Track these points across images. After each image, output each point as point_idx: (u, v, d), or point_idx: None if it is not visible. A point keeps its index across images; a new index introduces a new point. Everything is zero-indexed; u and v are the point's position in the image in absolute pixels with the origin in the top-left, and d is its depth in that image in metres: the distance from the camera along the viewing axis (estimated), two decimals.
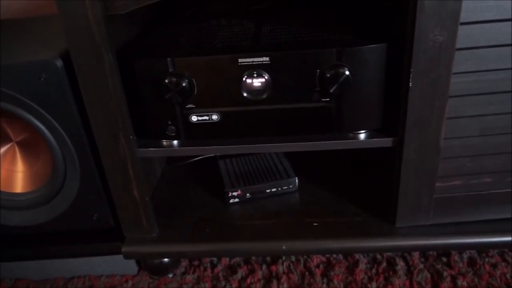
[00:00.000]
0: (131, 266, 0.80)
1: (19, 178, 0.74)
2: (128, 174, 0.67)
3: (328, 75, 0.60)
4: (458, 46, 0.57)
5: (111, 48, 0.59)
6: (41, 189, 0.72)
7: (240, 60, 0.60)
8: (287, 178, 0.83)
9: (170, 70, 0.61)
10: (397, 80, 0.62)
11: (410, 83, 0.59)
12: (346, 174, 0.88)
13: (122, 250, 0.73)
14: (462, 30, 0.56)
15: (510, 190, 0.69)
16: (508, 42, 0.57)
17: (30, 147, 0.73)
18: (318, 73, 0.60)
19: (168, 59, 0.60)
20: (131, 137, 0.65)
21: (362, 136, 0.66)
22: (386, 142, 0.65)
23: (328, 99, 0.62)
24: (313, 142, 0.65)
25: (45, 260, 0.80)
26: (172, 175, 0.92)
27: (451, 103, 0.61)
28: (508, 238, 0.70)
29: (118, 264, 0.79)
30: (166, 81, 0.60)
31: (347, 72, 0.59)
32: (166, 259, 0.78)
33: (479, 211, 0.71)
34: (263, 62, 0.60)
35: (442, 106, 0.61)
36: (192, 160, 0.95)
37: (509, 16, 0.55)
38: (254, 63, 0.60)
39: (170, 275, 0.79)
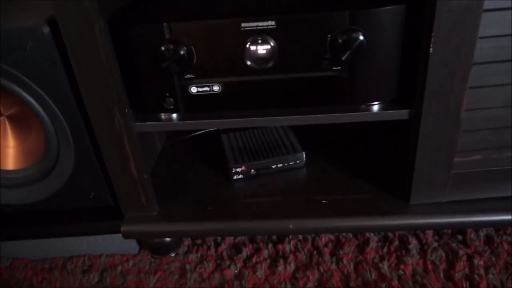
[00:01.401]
0: (132, 245, 0.78)
1: (10, 154, 0.70)
2: (124, 150, 0.64)
3: (340, 41, 0.54)
4: (485, 7, 0.51)
5: (102, 14, 0.54)
6: (34, 166, 0.69)
7: (243, 25, 0.55)
8: (294, 153, 0.79)
9: (167, 37, 0.56)
10: (416, 46, 0.56)
11: (431, 48, 0.53)
12: (356, 148, 0.84)
13: (121, 229, 0.71)
14: None
15: None
16: None
17: (21, 121, 0.69)
18: (329, 38, 0.55)
19: (164, 24, 0.55)
20: (126, 110, 0.60)
21: (375, 108, 0.61)
22: (401, 114, 0.61)
23: (339, 68, 0.57)
24: (322, 115, 0.61)
25: (43, 239, 0.77)
26: (173, 150, 0.88)
27: (475, 71, 0.56)
28: None
29: (118, 243, 0.76)
30: (163, 48, 0.56)
31: (361, 37, 0.54)
32: (167, 239, 0.75)
33: (499, 187, 0.67)
34: (268, 27, 0.55)
35: (465, 75, 0.56)
36: (193, 134, 0.91)
37: None
38: (258, 27, 0.55)
39: (172, 254, 0.76)
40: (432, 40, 0.53)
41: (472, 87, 0.57)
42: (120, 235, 0.72)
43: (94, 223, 0.74)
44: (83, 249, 0.78)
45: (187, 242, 0.79)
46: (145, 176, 0.67)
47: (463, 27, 0.52)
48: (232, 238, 0.78)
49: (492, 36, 0.53)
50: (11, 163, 0.70)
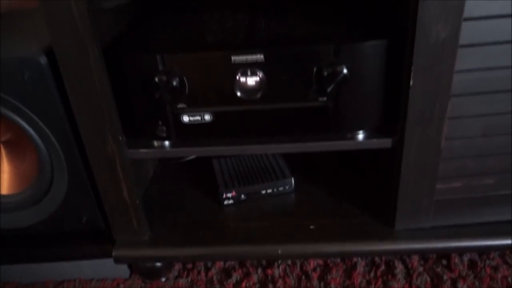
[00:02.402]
0: (123, 270, 0.78)
1: (4, 179, 0.71)
2: (117, 175, 0.65)
3: (325, 73, 0.57)
4: (461, 42, 0.54)
5: (97, 43, 0.56)
6: (28, 191, 0.70)
7: (233, 58, 0.57)
8: (283, 179, 0.81)
9: (160, 68, 0.58)
10: (397, 77, 0.59)
11: (411, 81, 0.56)
12: (343, 174, 0.86)
13: (113, 254, 0.71)
14: (465, 26, 0.53)
15: (511, 191, 0.67)
16: None
17: (16, 147, 0.70)
18: (315, 70, 0.58)
19: (158, 55, 0.57)
20: (119, 137, 0.62)
21: (360, 136, 0.63)
22: (385, 142, 0.63)
23: (325, 98, 0.60)
24: (309, 143, 0.63)
25: (33, 263, 0.77)
26: (165, 175, 0.90)
27: (453, 102, 0.58)
28: (509, 241, 0.68)
29: (109, 268, 0.77)
30: (156, 79, 0.58)
31: (345, 70, 0.56)
32: (158, 263, 0.75)
33: (480, 213, 0.69)
34: (258, 60, 0.57)
35: (444, 105, 0.58)
36: (185, 159, 0.92)
37: None
38: (248, 60, 0.57)
39: (163, 279, 0.77)
40: (412, 73, 0.56)
41: (451, 117, 0.60)
42: (111, 259, 0.72)
43: (86, 247, 0.75)
44: (74, 273, 0.78)
45: (177, 266, 0.79)
46: (137, 201, 0.68)
47: (441, 61, 0.55)
48: (222, 262, 0.79)
49: (468, 70, 0.57)
50: (5, 188, 0.71)
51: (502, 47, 0.55)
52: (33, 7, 0.89)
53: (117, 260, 0.72)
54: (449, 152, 0.63)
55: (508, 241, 0.68)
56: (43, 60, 0.58)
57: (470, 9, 0.52)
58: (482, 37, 0.54)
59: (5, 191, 0.71)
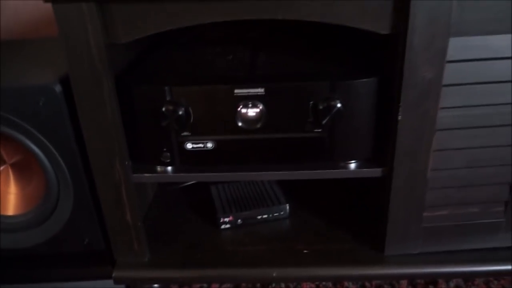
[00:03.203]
0: None
1: (11, 200, 0.74)
2: (121, 199, 0.68)
3: (321, 107, 0.62)
4: (444, 82, 0.59)
5: (111, 74, 0.60)
6: (33, 212, 0.72)
7: (236, 91, 0.62)
8: (278, 205, 0.84)
9: (168, 98, 0.62)
10: (387, 113, 0.64)
11: (399, 116, 0.61)
12: (336, 201, 0.89)
13: (113, 274, 0.73)
14: (448, 67, 0.58)
15: (496, 220, 0.71)
16: (493, 79, 0.59)
17: (24, 169, 0.73)
18: (311, 104, 0.62)
19: (166, 87, 0.62)
20: (126, 162, 0.65)
21: (352, 165, 0.67)
22: (375, 172, 0.67)
23: (320, 130, 0.64)
24: (305, 171, 0.67)
25: (34, 283, 0.79)
26: (164, 199, 0.92)
27: (438, 136, 0.63)
28: (493, 267, 0.72)
29: None
30: (163, 109, 0.62)
31: (339, 105, 0.61)
32: (156, 285, 0.77)
33: (466, 240, 0.72)
34: (258, 93, 0.62)
35: (430, 139, 0.63)
36: (184, 184, 0.95)
37: (493, 55, 0.58)
38: (249, 94, 0.62)
39: None
40: (400, 109, 0.61)
41: (437, 150, 0.64)
42: (109, 281, 0.74)
43: (86, 268, 0.77)
44: None
45: None
46: (138, 223, 0.71)
47: (426, 99, 0.60)
48: (218, 285, 0.81)
49: (451, 107, 0.61)
50: (11, 208, 0.73)
51: (482, 87, 0.60)
52: (49, 36, 0.94)
53: (117, 281, 0.74)
54: (435, 182, 0.67)
55: (492, 268, 0.72)
56: (58, 88, 0.62)
57: (453, 52, 0.57)
58: (464, 77, 0.59)
59: (11, 211, 0.73)
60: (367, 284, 0.79)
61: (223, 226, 0.82)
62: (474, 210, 0.70)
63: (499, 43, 0.57)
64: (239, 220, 0.82)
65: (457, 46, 0.57)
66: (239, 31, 0.89)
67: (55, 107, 0.63)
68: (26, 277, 0.77)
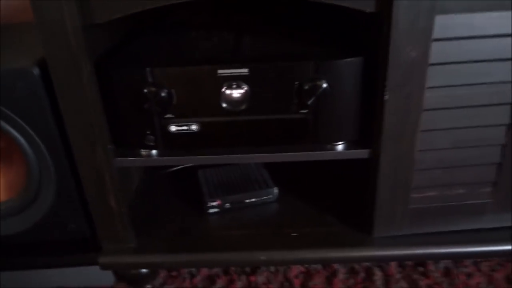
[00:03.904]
0: (108, 277, 0.79)
1: None
2: (104, 184, 0.67)
3: (306, 88, 0.61)
4: (430, 61, 0.58)
5: (89, 58, 0.59)
6: (15, 199, 0.71)
7: (219, 72, 0.60)
8: (266, 189, 0.84)
9: (149, 80, 0.61)
10: (373, 93, 0.63)
11: (385, 97, 0.60)
12: (324, 184, 0.89)
13: (99, 261, 0.72)
14: (434, 46, 0.57)
15: (482, 201, 0.71)
16: (479, 58, 0.59)
17: (4, 155, 0.72)
18: (296, 85, 0.61)
19: (148, 69, 0.60)
20: (108, 146, 0.64)
21: (339, 147, 0.67)
22: (362, 153, 0.67)
23: (306, 111, 0.63)
24: (291, 153, 0.66)
25: (19, 271, 0.78)
26: (151, 185, 0.91)
27: (425, 117, 0.62)
28: (482, 248, 0.72)
29: (94, 275, 0.78)
30: (145, 90, 0.60)
31: (324, 85, 0.60)
32: (143, 270, 0.77)
33: (453, 221, 0.72)
34: (242, 74, 0.61)
35: (416, 120, 0.62)
36: (171, 169, 0.94)
37: (479, 33, 0.57)
38: (233, 74, 0.61)
39: (148, 286, 0.78)
40: (386, 89, 0.60)
41: (423, 130, 0.64)
42: (96, 267, 0.73)
43: (71, 255, 0.76)
44: (59, 281, 0.79)
45: (163, 274, 0.81)
46: (124, 209, 0.70)
47: (412, 79, 0.59)
48: (206, 269, 0.81)
49: (437, 87, 0.61)
50: None
51: (468, 66, 0.59)
52: (27, 21, 0.92)
53: (104, 267, 0.73)
54: (422, 163, 0.66)
55: (481, 249, 0.72)
56: (35, 71, 0.61)
57: (438, 30, 0.56)
58: (450, 56, 0.58)
59: None
60: (356, 267, 0.80)
61: (210, 210, 0.82)
62: (461, 191, 0.70)
63: (485, 21, 0.56)
64: (226, 204, 0.82)
65: (442, 24, 0.56)
66: (222, 16, 0.88)
67: (33, 91, 0.62)
68: (10, 265, 0.76)
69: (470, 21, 0.56)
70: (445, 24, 0.56)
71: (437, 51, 0.58)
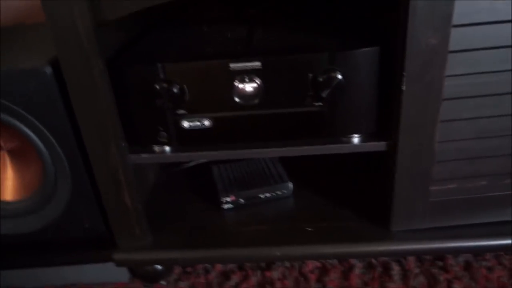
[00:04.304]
0: (123, 274, 0.79)
1: (9, 186, 0.73)
2: (119, 181, 0.67)
3: (321, 79, 0.59)
4: (450, 49, 0.56)
5: (101, 56, 0.58)
6: (32, 197, 0.72)
7: (231, 66, 0.59)
8: (281, 183, 0.82)
9: (161, 76, 0.60)
10: (390, 83, 0.61)
11: (403, 86, 0.58)
12: (340, 179, 0.87)
13: (114, 257, 0.73)
14: (454, 33, 0.55)
15: (506, 193, 0.68)
16: (501, 44, 0.56)
17: (21, 155, 0.72)
18: (310, 77, 0.60)
19: (159, 65, 0.59)
20: (122, 144, 0.64)
21: (355, 140, 0.65)
22: (380, 146, 0.65)
23: (321, 104, 0.62)
24: (306, 147, 0.65)
25: (36, 268, 0.79)
26: (166, 182, 0.91)
27: (445, 106, 0.60)
28: (504, 241, 0.70)
29: (110, 272, 0.78)
30: (157, 87, 0.60)
31: (339, 76, 0.58)
32: (159, 266, 0.77)
33: (475, 214, 0.70)
34: (255, 67, 0.59)
35: (436, 110, 0.60)
36: (185, 166, 0.94)
37: (501, 18, 0.55)
38: (245, 68, 0.59)
39: (163, 282, 0.78)
40: (404, 79, 0.58)
41: (444, 120, 0.61)
42: (111, 264, 0.73)
43: (87, 252, 0.76)
44: (75, 277, 0.80)
45: (177, 270, 0.81)
46: (138, 206, 0.70)
47: (431, 67, 0.57)
48: (221, 265, 0.81)
49: (458, 75, 0.58)
50: (9, 194, 0.73)
51: (490, 52, 0.57)
52: (40, 22, 0.92)
53: (119, 263, 0.73)
54: (442, 154, 0.64)
55: (503, 242, 0.70)
56: (48, 70, 0.60)
57: (458, 16, 0.54)
58: (471, 43, 0.56)
59: (9, 197, 0.73)
60: (373, 261, 0.78)
61: (225, 206, 0.81)
62: (483, 183, 0.68)
63: (507, 5, 0.54)
64: (241, 200, 0.81)
65: (463, 10, 0.54)
66: (234, 10, 0.86)
67: (46, 90, 0.61)
68: (27, 263, 0.77)
69: (491, 6, 0.54)
70: (465, 9, 0.54)
71: (457, 38, 0.55)
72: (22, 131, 0.65)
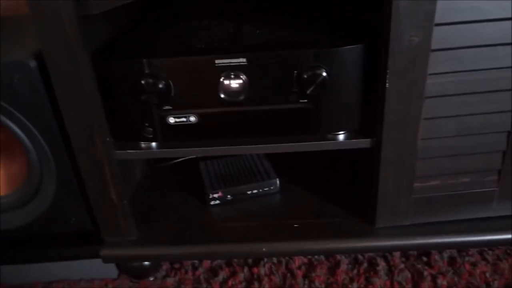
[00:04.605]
0: (111, 270, 0.79)
1: None
2: (105, 177, 0.67)
3: (305, 76, 0.59)
4: (433, 47, 0.57)
5: (86, 49, 0.58)
6: (16, 193, 0.71)
7: (217, 61, 0.59)
8: (268, 180, 0.83)
9: (146, 71, 0.60)
10: (374, 81, 0.62)
11: (387, 84, 0.59)
12: (326, 175, 0.88)
13: (101, 253, 0.72)
14: (437, 31, 0.56)
15: (488, 189, 0.70)
16: (483, 42, 0.57)
17: (5, 149, 0.72)
18: (295, 74, 0.60)
19: (144, 60, 0.59)
20: (107, 139, 0.64)
21: (340, 137, 0.66)
22: (364, 143, 0.65)
23: (306, 100, 0.62)
24: (292, 144, 0.65)
25: (22, 264, 0.78)
26: (153, 177, 0.91)
27: (428, 104, 0.61)
28: (487, 237, 0.71)
29: (97, 268, 0.78)
30: (142, 82, 0.60)
31: (324, 73, 0.59)
32: (146, 262, 0.77)
33: (458, 210, 0.71)
34: (240, 63, 0.60)
35: (419, 107, 0.61)
36: (172, 162, 0.94)
37: (483, 17, 0.55)
38: (231, 64, 0.60)
39: (151, 278, 0.78)
40: (387, 76, 0.58)
41: (426, 118, 0.62)
42: (99, 260, 0.73)
43: (74, 248, 0.76)
44: (62, 274, 0.79)
45: (165, 266, 0.81)
46: (124, 201, 0.70)
47: (414, 65, 0.58)
48: (209, 261, 0.81)
49: (441, 73, 0.59)
50: None
51: (473, 51, 0.58)
52: (24, 14, 0.91)
53: (106, 260, 0.73)
54: (425, 152, 0.65)
55: (486, 238, 0.71)
56: (32, 63, 0.60)
57: (441, 14, 0.55)
58: (454, 41, 0.57)
59: None
60: (359, 257, 0.79)
61: (212, 202, 0.81)
62: (466, 180, 0.69)
63: (489, 4, 0.55)
64: (228, 196, 0.81)
65: (445, 8, 0.55)
66: (221, 6, 0.87)
67: (31, 84, 0.61)
68: (13, 258, 0.77)
69: (474, 5, 0.55)
70: (447, 7, 0.55)
71: (439, 36, 0.56)
72: (6, 125, 0.64)
